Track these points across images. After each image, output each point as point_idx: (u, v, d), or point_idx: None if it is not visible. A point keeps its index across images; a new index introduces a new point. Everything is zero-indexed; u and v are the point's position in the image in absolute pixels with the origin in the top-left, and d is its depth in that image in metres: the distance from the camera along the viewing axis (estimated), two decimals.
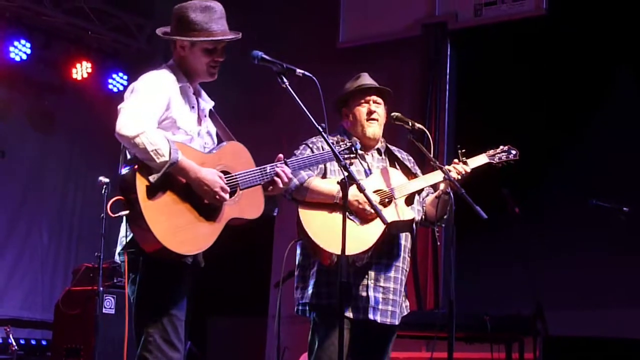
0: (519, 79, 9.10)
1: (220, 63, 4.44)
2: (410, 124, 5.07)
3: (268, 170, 4.36)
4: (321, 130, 4.25)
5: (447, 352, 4.79)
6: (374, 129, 5.08)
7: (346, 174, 4.22)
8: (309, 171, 4.87)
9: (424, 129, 5.13)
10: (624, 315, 7.87)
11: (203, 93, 4.59)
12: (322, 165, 4.94)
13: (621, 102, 8.69)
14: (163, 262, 4.13)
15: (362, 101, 5.09)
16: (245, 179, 4.31)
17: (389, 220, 4.75)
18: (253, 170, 4.35)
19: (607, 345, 6.77)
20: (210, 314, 10.88)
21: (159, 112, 4.20)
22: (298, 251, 5.02)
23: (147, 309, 4.21)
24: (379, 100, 5.13)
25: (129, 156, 4.17)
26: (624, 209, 6.44)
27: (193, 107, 4.43)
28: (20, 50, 10.15)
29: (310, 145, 5.00)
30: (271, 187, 4.41)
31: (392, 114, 5.11)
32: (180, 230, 4.06)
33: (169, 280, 4.20)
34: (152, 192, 4.03)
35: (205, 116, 4.52)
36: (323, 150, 4.91)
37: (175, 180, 4.11)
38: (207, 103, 4.57)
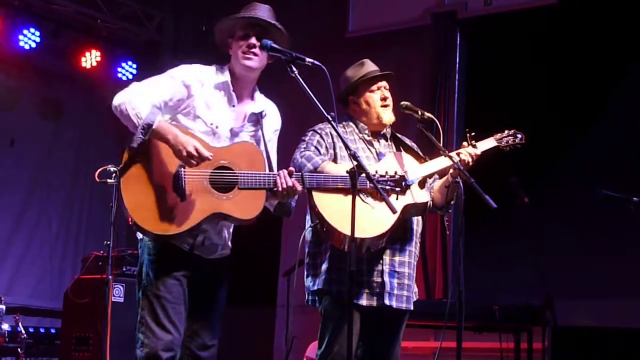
0: (529, 68, 9.08)
1: (255, 50, 4.46)
2: (419, 113, 5.07)
3: (271, 177, 4.34)
4: (330, 119, 4.24)
5: (455, 342, 4.79)
6: (390, 115, 5.10)
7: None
8: (322, 156, 4.86)
9: (434, 118, 5.12)
10: (634, 305, 7.86)
11: (257, 97, 4.63)
12: (332, 151, 4.93)
13: (633, 92, 8.66)
14: (159, 245, 4.25)
15: (374, 88, 5.09)
16: (246, 179, 4.29)
17: (405, 203, 4.77)
18: (257, 173, 4.33)
19: (616, 335, 6.76)
20: None
21: (159, 93, 4.32)
22: (308, 239, 5.00)
23: (141, 290, 4.32)
24: (387, 85, 5.15)
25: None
26: (634, 199, 6.42)
27: (233, 106, 4.49)
28: (29, 38, 10.17)
29: (319, 132, 4.98)
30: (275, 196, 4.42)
31: (402, 103, 5.11)
32: (150, 208, 4.14)
33: (161, 264, 4.27)
34: (138, 167, 4.14)
35: (245, 117, 4.54)
36: (331, 136, 4.93)
37: (162, 162, 4.18)
38: (254, 106, 4.60)
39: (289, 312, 8.46)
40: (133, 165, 4.14)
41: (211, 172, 4.25)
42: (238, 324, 10.73)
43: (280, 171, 4.37)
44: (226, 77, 4.48)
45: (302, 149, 4.89)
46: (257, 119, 4.59)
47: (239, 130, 4.49)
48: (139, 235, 4.38)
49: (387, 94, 5.12)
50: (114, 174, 4.25)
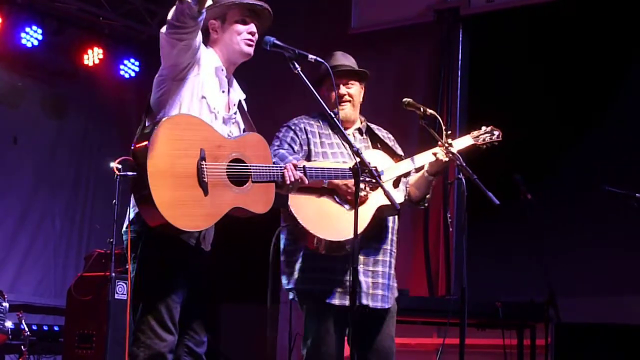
0: (531, 65, 9.07)
1: (255, 39, 4.42)
2: (421, 110, 5.04)
3: (279, 170, 4.32)
4: (333, 116, 4.23)
5: (458, 338, 4.79)
6: (346, 112, 5.03)
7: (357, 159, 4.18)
8: (296, 154, 4.84)
9: (436, 114, 5.09)
10: (637, 301, 7.85)
11: (235, 83, 4.57)
12: (306, 147, 4.90)
13: (637, 88, 8.65)
14: (165, 241, 4.11)
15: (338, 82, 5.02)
16: (259, 172, 4.26)
17: (379, 204, 4.74)
18: (268, 166, 4.31)
19: (619, 332, 6.77)
20: (221, 301, 10.90)
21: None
22: (283, 237, 4.99)
23: (142, 289, 4.19)
24: (353, 81, 5.09)
25: (147, 125, 4.19)
26: (637, 195, 6.42)
27: (224, 92, 4.42)
28: (32, 36, 10.16)
29: (293, 127, 4.96)
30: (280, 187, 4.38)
31: (404, 99, 5.08)
32: (180, 205, 4.01)
33: (168, 261, 4.17)
34: (162, 160, 4.00)
35: (234, 105, 4.50)
36: (306, 131, 4.92)
37: (184, 155, 4.08)
38: (237, 93, 4.55)
39: (292, 309, 8.46)
40: (158, 155, 3.99)
41: (227, 165, 4.20)
42: (241, 321, 10.76)
43: (287, 164, 4.36)
44: (219, 62, 4.42)
45: (276, 147, 4.86)
46: (239, 105, 4.55)
47: (228, 117, 4.44)
48: (133, 227, 4.25)
49: (347, 90, 5.05)
50: (117, 170, 4.16)
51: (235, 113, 4.52)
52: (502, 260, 8.63)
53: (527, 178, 6.91)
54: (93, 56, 10.87)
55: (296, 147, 4.88)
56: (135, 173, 4.01)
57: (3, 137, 10.53)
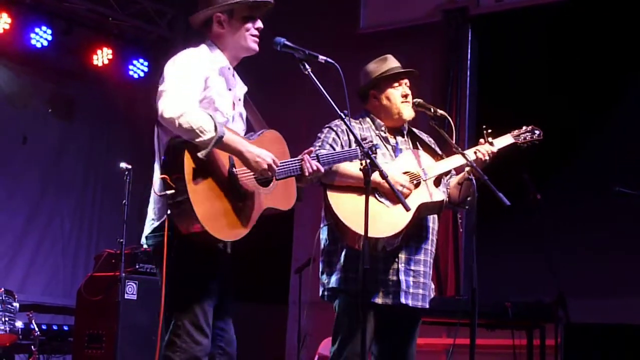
0: (540, 64, 9.06)
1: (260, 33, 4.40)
2: (432, 110, 5.05)
3: (297, 163, 4.31)
4: (343, 116, 4.23)
5: (468, 339, 4.78)
6: (410, 111, 5.07)
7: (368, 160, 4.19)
8: None
9: (446, 115, 5.09)
10: None
11: (237, 77, 4.54)
12: (347, 148, 4.90)
13: None
14: (197, 246, 4.08)
15: (395, 84, 5.07)
16: (283, 169, 4.26)
17: (420, 202, 4.76)
18: (290, 161, 4.31)
19: (628, 332, 6.75)
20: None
21: (197, 92, 4.16)
22: (324, 237, 4.98)
23: (177, 292, 4.13)
24: (408, 82, 5.13)
25: (165, 139, 4.13)
26: None
27: (230, 90, 4.41)
28: (41, 37, 10.19)
29: (335, 129, 4.95)
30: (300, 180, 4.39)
31: (414, 100, 5.08)
32: (220, 216, 4.03)
33: (202, 265, 4.15)
34: (198, 173, 3.99)
35: (239, 100, 4.48)
36: (347, 133, 4.90)
37: (217, 165, 4.08)
38: (241, 87, 4.54)
39: (300, 309, 8.47)
40: (196, 174, 3.99)
41: None
42: (250, 321, 10.76)
43: (304, 156, 4.36)
44: (225, 60, 4.40)
45: (317, 147, 4.85)
46: (243, 99, 4.55)
47: (235, 114, 4.42)
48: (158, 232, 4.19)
49: (408, 90, 5.08)
50: (126, 174, 4.15)
51: (239, 107, 4.50)
52: (511, 261, 8.62)
53: (536, 178, 6.91)
54: (102, 56, 10.89)
55: (337, 148, 4.86)
56: (173, 191, 3.98)
57: (12, 137, 10.55)
